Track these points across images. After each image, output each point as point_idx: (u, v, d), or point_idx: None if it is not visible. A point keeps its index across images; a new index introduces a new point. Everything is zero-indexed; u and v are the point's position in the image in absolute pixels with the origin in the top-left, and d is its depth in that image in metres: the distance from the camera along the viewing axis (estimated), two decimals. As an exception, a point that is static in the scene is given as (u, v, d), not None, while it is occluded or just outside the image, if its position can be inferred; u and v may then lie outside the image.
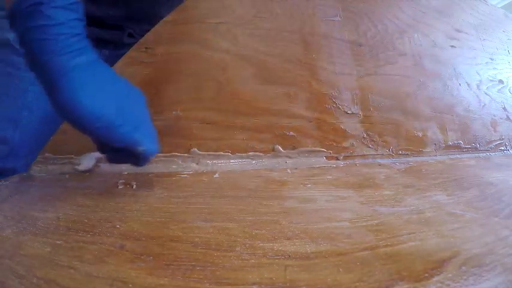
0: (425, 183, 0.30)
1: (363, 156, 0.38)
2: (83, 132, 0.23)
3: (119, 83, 0.25)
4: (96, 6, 0.42)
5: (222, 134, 0.34)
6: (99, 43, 0.43)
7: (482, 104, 0.51)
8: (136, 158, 0.25)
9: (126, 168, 0.32)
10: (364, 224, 0.21)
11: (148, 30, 0.37)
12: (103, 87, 0.23)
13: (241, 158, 0.34)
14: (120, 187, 0.27)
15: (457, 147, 0.45)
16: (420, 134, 0.42)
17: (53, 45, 0.21)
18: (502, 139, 0.50)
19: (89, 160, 0.32)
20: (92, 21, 0.40)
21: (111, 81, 0.24)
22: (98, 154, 0.32)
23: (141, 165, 0.26)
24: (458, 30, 0.55)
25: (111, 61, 0.36)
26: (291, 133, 0.36)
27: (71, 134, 0.33)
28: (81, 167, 0.32)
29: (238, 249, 0.17)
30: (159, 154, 0.32)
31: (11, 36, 0.37)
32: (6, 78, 0.37)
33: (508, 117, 0.53)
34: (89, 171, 0.32)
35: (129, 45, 0.37)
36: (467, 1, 0.60)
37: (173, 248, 0.18)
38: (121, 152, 0.24)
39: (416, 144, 0.42)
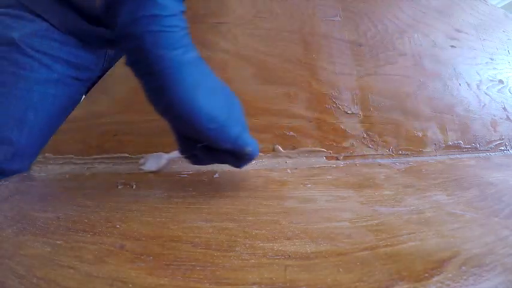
0: (425, 183, 0.30)
1: (363, 156, 0.38)
2: (190, 132, 0.21)
3: (220, 82, 0.23)
4: None
5: (222, 134, 0.34)
6: (105, 43, 0.43)
7: (482, 104, 0.51)
8: (239, 159, 0.24)
9: (125, 168, 0.32)
10: (364, 224, 0.21)
11: None
12: (212, 86, 0.21)
13: (241, 158, 0.34)
14: (120, 187, 0.27)
15: (457, 147, 0.45)
16: (420, 134, 0.42)
17: (166, 38, 0.19)
18: (502, 139, 0.50)
19: (156, 160, 0.30)
20: (98, 21, 0.39)
21: (216, 80, 0.23)
22: (169, 155, 0.31)
23: (242, 167, 0.25)
24: (458, 30, 0.55)
25: (116, 61, 0.36)
26: (291, 133, 0.36)
27: (71, 134, 0.34)
28: (146, 167, 0.30)
29: (238, 249, 0.17)
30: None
31: (16, 35, 0.37)
32: (10, 78, 0.36)
33: (508, 117, 0.53)
34: (155, 172, 0.30)
35: None
36: (467, 1, 0.60)
37: (173, 248, 0.18)
38: (221, 154, 0.23)
39: (416, 144, 0.42)
